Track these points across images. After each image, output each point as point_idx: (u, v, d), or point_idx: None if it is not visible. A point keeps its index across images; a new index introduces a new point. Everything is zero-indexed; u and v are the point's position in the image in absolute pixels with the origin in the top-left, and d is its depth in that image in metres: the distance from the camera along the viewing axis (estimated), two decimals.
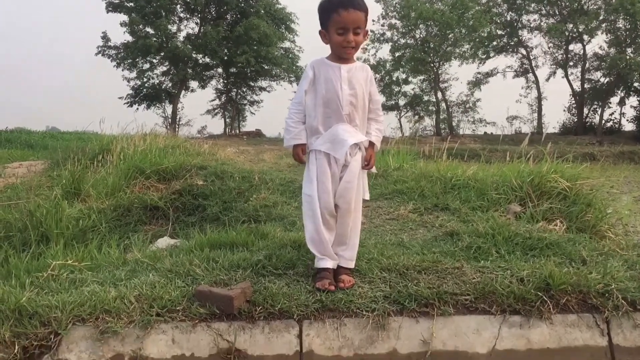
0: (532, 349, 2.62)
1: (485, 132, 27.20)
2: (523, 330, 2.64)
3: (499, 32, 28.14)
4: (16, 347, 2.40)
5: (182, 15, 26.08)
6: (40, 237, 4.37)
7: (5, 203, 4.90)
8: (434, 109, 27.60)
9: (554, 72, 28.45)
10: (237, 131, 27.52)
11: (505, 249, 3.17)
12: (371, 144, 2.92)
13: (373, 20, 26.01)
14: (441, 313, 2.63)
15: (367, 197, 2.93)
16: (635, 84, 26.48)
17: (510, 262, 2.99)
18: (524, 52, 28.67)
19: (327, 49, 2.88)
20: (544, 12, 27.52)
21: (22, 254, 3.80)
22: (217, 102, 28.65)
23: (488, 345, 2.61)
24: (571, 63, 27.75)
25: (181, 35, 25.83)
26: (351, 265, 2.88)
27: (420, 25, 25.23)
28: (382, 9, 26.35)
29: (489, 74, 28.50)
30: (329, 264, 2.84)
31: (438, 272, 2.87)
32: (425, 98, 27.87)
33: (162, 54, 24.81)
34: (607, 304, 2.70)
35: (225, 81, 28.26)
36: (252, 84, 28.66)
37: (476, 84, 28.10)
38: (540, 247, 3.18)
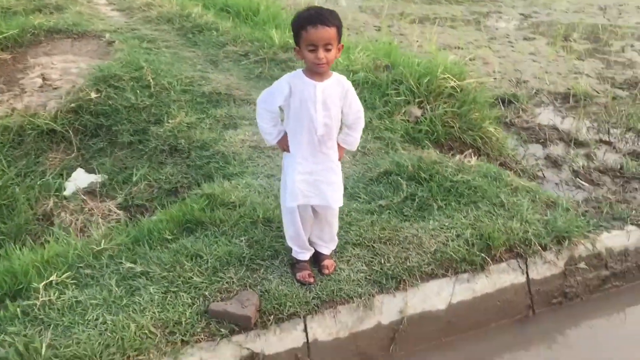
0: (476, 296, 3.34)
1: None
2: (470, 284, 3.32)
3: None
4: None
5: None
6: None
7: None
8: None
9: None
10: None
11: (441, 198, 3.71)
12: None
13: None
14: (411, 285, 3.20)
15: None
16: None
17: (451, 217, 3.56)
18: None
19: None
20: None
21: None
22: None
23: (446, 301, 3.27)
24: None
25: None
26: (333, 249, 3.25)
27: None
28: None
29: None
30: (307, 255, 3.19)
31: (401, 242, 3.36)
32: None
33: None
34: (528, 251, 3.45)
35: None
36: None
37: None
38: (467, 193, 3.75)
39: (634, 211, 3.86)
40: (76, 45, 6.47)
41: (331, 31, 2.66)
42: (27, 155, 4.45)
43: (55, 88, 5.60)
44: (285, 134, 2.95)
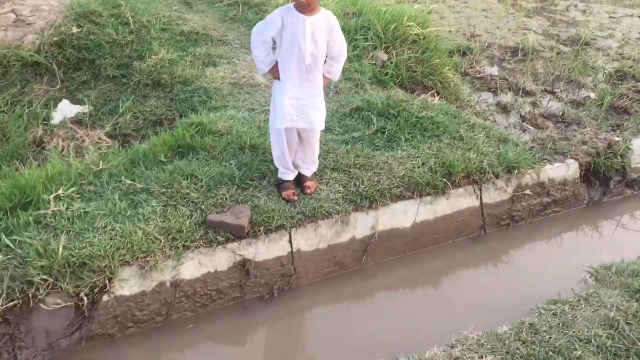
0: (437, 216, 3.82)
1: None
2: (432, 206, 3.79)
3: None
4: (81, 295, 2.90)
5: None
6: None
7: None
8: None
9: None
10: None
11: (408, 131, 4.13)
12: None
13: None
14: (382, 204, 3.63)
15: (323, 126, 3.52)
16: None
17: (417, 148, 3.99)
18: None
19: None
20: None
21: None
22: None
23: (411, 220, 3.73)
24: None
25: None
26: (314, 170, 3.64)
27: None
28: None
29: None
30: (291, 176, 3.57)
31: (373, 168, 3.77)
32: None
33: None
34: (483, 179, 3.93)
35: None
36: None
37: None
38: (431, 127, 4.18)
39: (573, 147, 4.38)
40: None
41: None
42: (12, 86, 4.61)
43: (29, 24, 5.69)
44: (277, 63, 3.29)
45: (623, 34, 8.25)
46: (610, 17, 9.18)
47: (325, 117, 3.44)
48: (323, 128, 3.44)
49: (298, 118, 3.32)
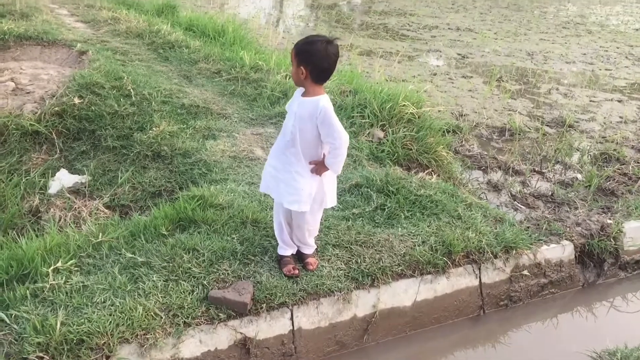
0: (437, 296, 3.80)
1: None
2: (432, 284, 3.78)
3: None
4: None
5: None
6: None
7: None
8: None
9: None
10: None
11: (407, 209, 4.17)
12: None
13: None
14: (384, 282, 3.62)
15: (330, 205, 3.54)
16: None
17: (417, 225, 4.02)
18: None
19: None
20: None
21: None
22: None
23: (412, 299, 3.70)
24: None
25: None
26: (312, 251, 3.63)
27: None
28: None
29: None
30: (289, 251, 3.56)
31: (374, 245, 3.77)
32: None
33: None
34: (482, 258, 3.95)
35: None
36: None
37: None
38: (430, 206, 4.23)
39: (567, 228, 4.44)
40: (45, 53, 6.61)
41: (292, 52, 3.18)
42: (10, 154, 4.59)
43: (28, 92, 5.74)
44: None
45: (604, 118, 8.54)
46: (590, 100, 9.53)
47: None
48: (292, 208, 3.33)
49: (272, 187, 3.39)
